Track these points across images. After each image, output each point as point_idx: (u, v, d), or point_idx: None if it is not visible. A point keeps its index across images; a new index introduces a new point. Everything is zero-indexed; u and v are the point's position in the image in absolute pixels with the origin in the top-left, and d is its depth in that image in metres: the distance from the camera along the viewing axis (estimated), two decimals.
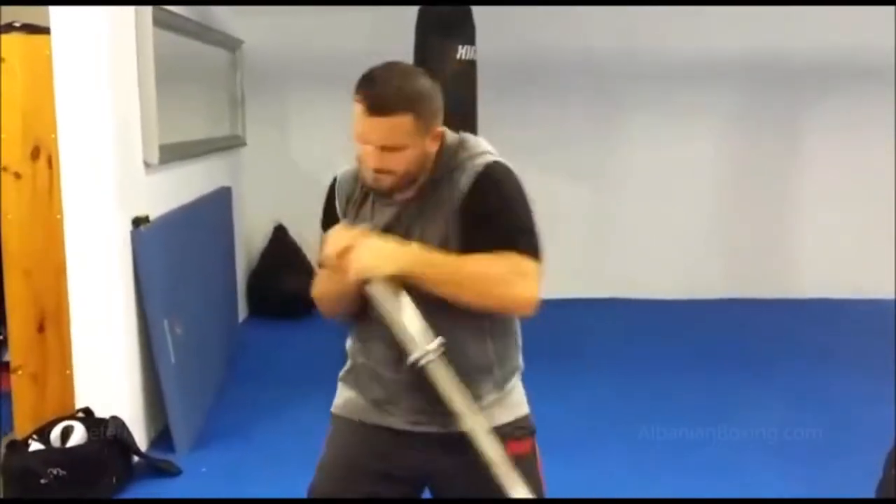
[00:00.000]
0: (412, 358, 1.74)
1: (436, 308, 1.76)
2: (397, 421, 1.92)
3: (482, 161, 1.84)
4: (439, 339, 1.74)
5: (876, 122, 6.45)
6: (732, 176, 6.71)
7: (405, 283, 1.76)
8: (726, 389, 4.69)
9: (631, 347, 5.47)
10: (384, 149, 1.76)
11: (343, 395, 2.03)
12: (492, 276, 1.75)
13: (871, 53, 6.25)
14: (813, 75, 6.46)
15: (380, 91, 1.74)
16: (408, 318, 1.75)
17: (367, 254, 1.75)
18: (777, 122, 6.60)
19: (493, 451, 1.72)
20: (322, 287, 1.95)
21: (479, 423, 1.74)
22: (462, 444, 1.78)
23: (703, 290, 6.56)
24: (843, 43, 6.29)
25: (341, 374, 2.04)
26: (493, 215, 1.80)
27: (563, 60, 6.39)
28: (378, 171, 1.78)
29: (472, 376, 1.83)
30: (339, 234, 1.81)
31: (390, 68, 1.80)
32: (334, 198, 1.96)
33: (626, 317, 6.23)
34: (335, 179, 1.98)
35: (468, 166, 1.83)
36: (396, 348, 1.79)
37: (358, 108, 1.76)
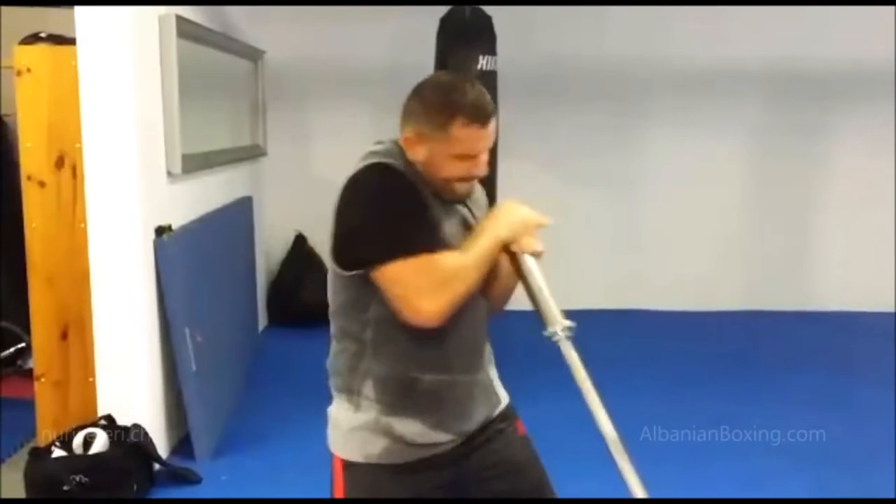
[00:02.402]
0: (551, 330, 1.78)
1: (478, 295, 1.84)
2: (468, 424, 1.90)
3: None
4: (570, 322, 1.79)
5: None
6: (754, 186, 6.68)
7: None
8: (743, 399, 4.66)
9: (649, 359, 5.44)
10: (485, 153, 1.83)
11: (382, 438, 1.85)
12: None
13: (893, 63, 6.21)
14: (836, 84, 6.43)
15: (481, 101, 1.80)
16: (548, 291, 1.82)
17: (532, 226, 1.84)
18: (799, 132, 6.56)
19: (610, 431, 1.79)
20: (453, 270, 1.75)
21: (596, 401, 1.80)
22: (483, 438, 1.91)
23: (722, 302, 6.53)
24: (866, 51, 6.25)
25: (378, 416, 1.85)
26: None
27: (585, 69, 6.39)
28: (474, 177, 1.85)
29: (487, 356, 1.98)
30: (528, 211, 1.85)
31: (459, 78, 1.88)
32: (415, 185, 1.82)
33: (645, 328, 6.20)
34: (393, 167, 1.81)
35: None
36: (473, 346, 1.90)
37: (463, 123, 1.77)
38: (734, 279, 6.67)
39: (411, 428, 1.84)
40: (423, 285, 1.71)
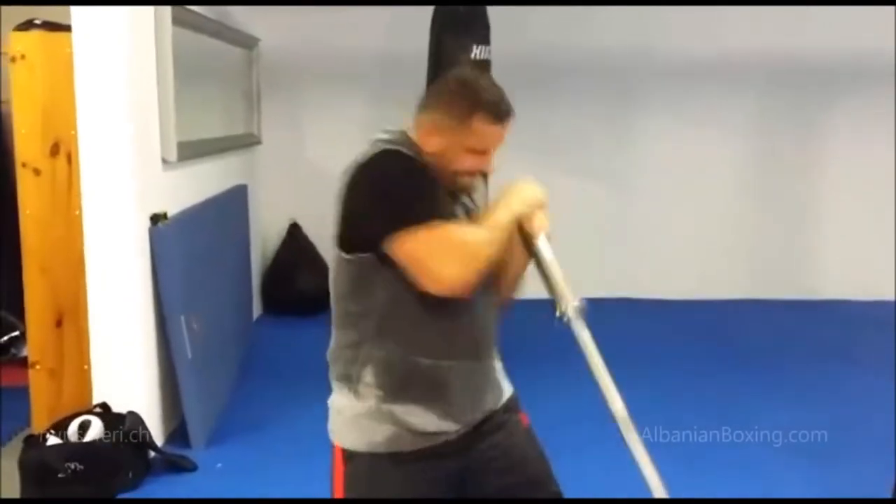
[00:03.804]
0: (562, 309, 1.83)
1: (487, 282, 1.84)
2: (474, 414, 1.89)
3: None
4: (581, 298, 1.84)
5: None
6: (750, 176, 6.69)
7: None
8: (742, 389, 4.68)
9: (646, 348, 5.45)
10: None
11: (385, 426, 1.83)
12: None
13: (891, 54, 6.22)
14: (832, 75, 6.44)
15: (504, 101, 1.87)
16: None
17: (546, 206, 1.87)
18: (795, 123, 6.57)
19: (621, 409, 1.88)
20: (475, 240, 1.76)
21: (607, 380, 1.89)
22: (488, 428, 1.91)
23: (719, 291, 6.54)
24: (862, 43, 6.26)
25: (379, 403, 1.83)
26: None
27: (579, 60, 6.38)
28: (481, 172, 1.90)
29: (494, 348, 1.97)
30: (538, 186, 1.88)
31: (483, 77, 1.95)
32: (426, 167, 1.83)
33: (642, 317, 6.20)
34: (404, 153, 1.83)
35: None
36: (481, 333, 1.90)
37: (487, 120, 1.83)
38: (731, 269, 6.68)
39: (416, 416, 1.82)
40: (444, 252, 1.71)
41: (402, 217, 1.71)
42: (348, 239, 1.80)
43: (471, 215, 1.92)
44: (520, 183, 1.88)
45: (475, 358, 1.90)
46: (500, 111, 1.84)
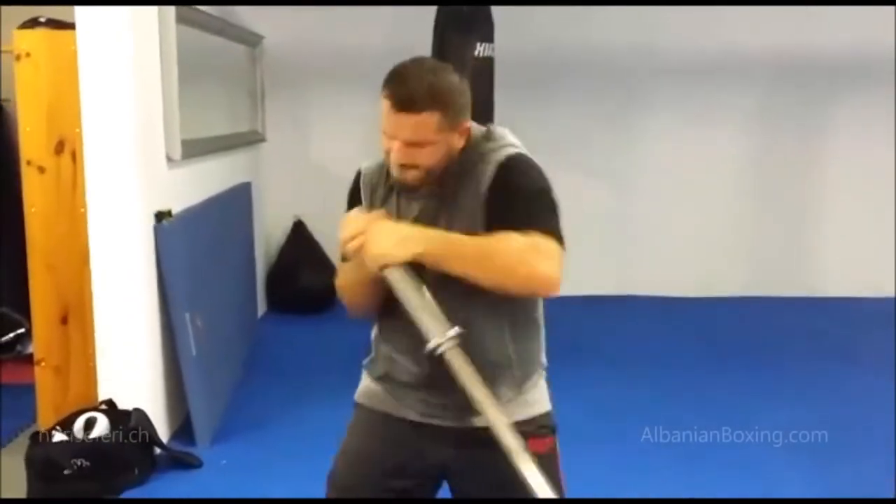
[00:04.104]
0: (430, 346, 1.70)
1: (455, 303, 1.75)
2: (413, 413, 1.94)
3: (504, 153, 1.84)
4: (457, 329, 1.71)
5: None
6: (753, 174, 6.68)
7: (423, 269, 1.74)
8: (744, 388, 4.68)
9: (649, 345, 5.46)
10: (411, 144, 1.77)
11: (365, 384, 2.05)
12: (513, 251, 1.69)
13: (893, 53, 6.21)
14: (834, 73, 6.43)
15: (408, 88, 1.74)
16: (426, 305, 1.73)
17: (383, 238, 1.72)
18: (797, 120, 6.57)
19: (513, 442, 1.65)
20: (344, 278, 1.95)
21: (498, 415, 1.68)
22: (478, 440, 1.78)
23: (722, 289, 6.55)
24: (865, 40, 6.26)
25: (365, 361, 2.06)
26: (514, 202, 1.78)
27: (582, 58, 6.38)
28: (404, 165, 1.80)
29: (490, 372, 1.79)
30: (354, 219, 1.80)
31: (419, 64, 1.81)
32: (359, 189, 1.96)
33: (644, 315, 6.22)
34: (360, 172, 1.99)
35: (490, 158, 1.83)
36: (417, 338, 1.76)
37: (386, 105, 1.76)
38: (733, 267, 6.68)
39: (376, 382, 2.01)
40: (336, 285, 1.98)
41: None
42: None
43: (430, 217, 1.84)
44: (341, 227, 1.81)
45: (418, 361, 1.86)
46: (392, 93, 1.75)
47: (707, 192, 6.61)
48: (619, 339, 5.52)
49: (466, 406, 1.74)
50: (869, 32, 6.23)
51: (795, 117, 6.56)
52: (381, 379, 2.00)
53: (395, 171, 1.83)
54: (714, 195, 6.63)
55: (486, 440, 1.71)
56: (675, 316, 6.16)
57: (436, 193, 1.85)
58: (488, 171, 1.81)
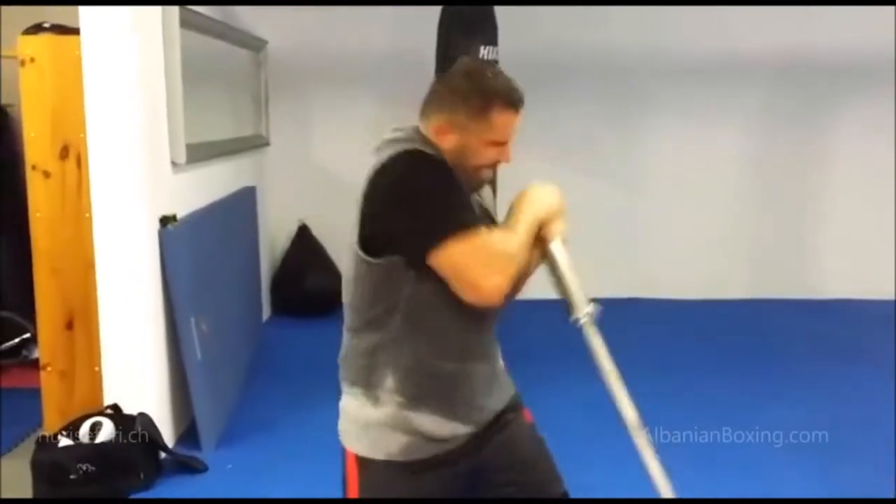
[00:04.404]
0: (577, 316, 1.84)
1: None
2: (483, 415, 1.88)
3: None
4: (594, 304, 1.84)
5: None
6: (756, 175, 6.68)
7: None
8: (746, 389, 4.67)
9: (652, 347, 5.45)
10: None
11: (402, 435, 1.82)
12: None
13: (894, 51, 6.21)
14: (837, 74, 6.42)
15: (516, 87, 1.83)
16: (577, 277, 1.85)
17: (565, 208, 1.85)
18: (801, 122, 6.56)
19: (634, 417, 1.89)
20: (515, 247, 1.76)
21: (623, 391, 1.89)
22: (495, 428, 1.91)
23: (725, 291, 6.54)
24: (866, 41, 6.25)
25: (399, 409, 1.81)
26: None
27: (586, 60, 6.38)
28: (501, 163, 1.87)
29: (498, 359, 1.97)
30: (555, 189, 1.87)
31: (492, 67, 1.91)
32: (456, 176, 1.80)
33: (647, 317, 6.20)
34: (439, 158, 1.80)
35: None
36: (489, 335, 1.90)
37: (502, 112, 1.80)
38: (736, 269, 6.67)
39: (430, 421, 1.81)
40: (484, 263, 1.69)
41: (442, 226, 1.69)
42: (379, 244, 1.75)
43: (486, 213, 1.93)
44: (540, 187, 1.86)
45: (486, 360, 1.90)
46: (514, 98, 1.82)
47: (710, 194, 6.60)
48: (621, 341, 5.47)
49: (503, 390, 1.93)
50: (870, 33, 6.23)
51: (798, 118, 6.55)
52: (448, 404, 1.83)
53: (486, 174, 1.88)
54: (717, 197, 6.62)
55: (502, 423, 1.92)
56: (677, 318, 6.15)
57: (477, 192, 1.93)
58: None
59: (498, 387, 1.95)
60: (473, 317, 1.78)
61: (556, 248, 1.83)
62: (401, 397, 1.80)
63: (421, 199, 1.72)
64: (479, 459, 1.88)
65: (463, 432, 1.84)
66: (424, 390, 1.80)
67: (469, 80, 1.82)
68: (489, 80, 1.82)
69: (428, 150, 1.79)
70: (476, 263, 1.68)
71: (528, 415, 2.02)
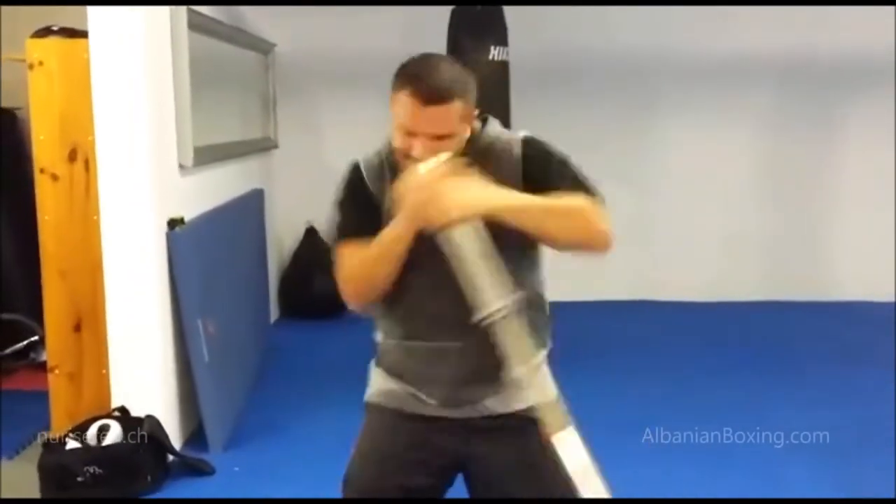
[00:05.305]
0: (488, 311, 1.70)
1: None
2: (430, 407, 1.94)
3: (520, 133, 1.93)
4: (518, 294, 1.73)
5: None
6: (767, 176, 6.65)
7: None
8: (761, 391, 4.65)
9: (664, 350, 5.43)
10: (434, 138, 1.77)
11: (377, 384, 2.05)
12: (584, 211, 1.80)
13: None
14: (848, 74, 6.39)
15: (433, 80, 1.76)
16: (489, 270, 1.70)
17: (464, 190, 1.70)
18: (813, 122, 6.52)
19: (554, 419, 1.73)
20: (357, 259, 1.88)
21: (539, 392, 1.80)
22: (496, 429, 1.90)
23: (737, 293, 6.51)
24: (878, 41, 6.22)
25: (374, 361, 2.07)
26: (556, 169, 1.87)
27: (596, 61, 6.37)
28: (416, 158, 1.79)
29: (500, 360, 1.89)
30: (422, 177, 1.73)
31: (429, 58, 1.85)
32: (362, 179, 1.95)
33: (660, 319, 6.18)
34: (357, 163, 1.98)
35: (506, 139, 1.91)
36: (439, 321, 1.88)
37: (407, 101, 1.76)
38: (749, 271, 6.64)
39: (383, 373, 2.03)
40: (342, 273, 1.92)
41: (332, 232, 1.98)
42: None
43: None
44: (404, 185, 1.77)
45: (433, 339, 1.92)
46: (416, 86, 1.75)
47: (719, 195, 6.58)
48: (634, 343, 5.48)
49: (485, 394, 1.90)
50: (881, 33, 6.19)
51: (809, 119, 6.52)
52: (396, 373, 1.99)
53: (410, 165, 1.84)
54: (727, 198, 6.59)
55: (498, 426, 1.88)
56: (689, 320, 6.13)
57: None
58: (514, 149, 1.89)
59: (484, 382, 1.90)
60: (404, 301, 1.92)
61: (458, 235, 1.70)
62: (377, 353, 2.06)
63: (333, 203, 2.01)
64: (467, 449, 1.94)
65: (409, 392, 1.96)
66: (381, 357, 2.04)
67: (400, 65, 1.84)
68: (409, 64, 1.82)
69: (362, 158, 1.97)
70: (342, 272, 1.93)
71: (546, 432, 1.79)
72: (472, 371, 1.90)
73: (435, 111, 1.75)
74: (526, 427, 1.86)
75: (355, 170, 1.96)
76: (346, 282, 1.92)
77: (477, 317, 1.71)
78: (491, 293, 1.70)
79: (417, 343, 1.94)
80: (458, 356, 1.89)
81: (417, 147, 1.77)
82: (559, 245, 1.82)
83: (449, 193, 1.69)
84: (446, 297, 1.79)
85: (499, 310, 1.69)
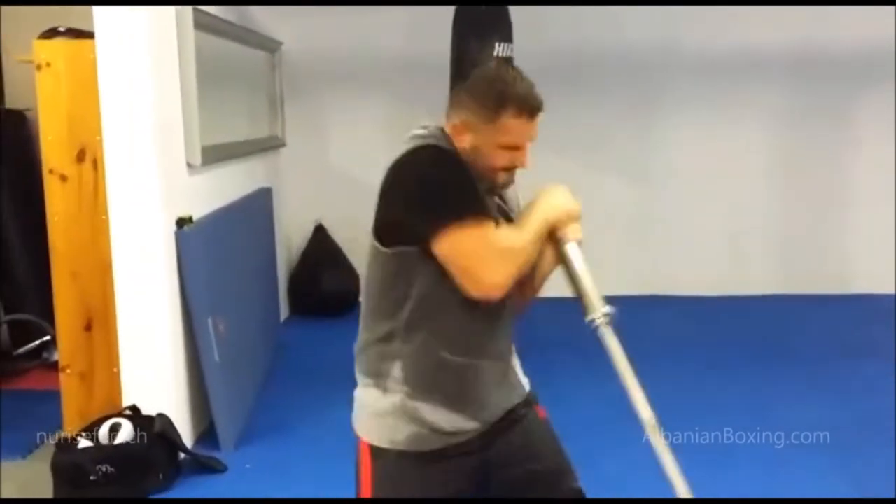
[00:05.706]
0: (592, 317, 1.84)
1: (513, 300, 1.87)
2: (468, 433, 1.87)
3: None
4: (611, 307, 1.84)
5: None
6: (778, 171, 6.62)
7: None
8: (772, 386, 4.64)
9: (674, 345, 5.43)
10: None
11: (408, 425, 1.85)
12: None
13: None
14: (858, 68, 6.36)
15: (535, 96, 1.85)
16: (592, 279, 1.87)
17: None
18: (823, 116, 6.50)
19: (650, 415, 1.87)
20: (520, 242, 1.80)
21: (639, 389, 1.88)
22: (506, 425, 1.91)
23: (746, 287, 6.50)
24: (886, 35, 6.19)
25: (405, 399, 1.84)
26: None
27: (603, 57, 6.36)
28: (517, 167, 1.88)
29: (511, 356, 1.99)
30: (568, 192, 1.89)
31: (516, 73, 1.89)
32: (468, 168, 1.83)
33: (670, 314, 6.16)
34: (454, 151, 1.84)
35: None
36: (503, 333, 1.91)
37: (515, 123, 1.82)
38: (759, 264, 6.63)
39: (438, 414, 1.83)
40: (487, 256, 1.73)
41: (448, 213, 1.73)
42: (389, 233, 1.80)
43: (506, 216, 1.94)
44: (553, 190, 1.89)
45: (499, 357, 1.93)
46: (527, 105, 1.83)
47: (728, 191, 6.56)
48: (644, 339, 5.42)
49: (511, 396, 1.94)
50: (891, 26, 6.16)
51: (818, 113, 6.49)
52: (453, 399, 1.84)
53: (502, 177, 1.89)
54: (735, 193, 6.58)
55: (515, 419, 1.93)
56: (702, 315, 6.11)
57: (497, 195, 1.96)
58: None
59: (509, 385, 1.96)
60: (487, 315, 1.83)
61: (571, 250, 1.86)
62: (408, 387, 1.84)
63: (430, 187, 1.77)
64: (490, 454, 1.90)
65: (469, 427, 1.86)
66: (431, 382, 1.83)
67: (488, 84, 1.85)
68: (507, 85, 1.83)
69: (444, 146, 1.84)
70: (479, 254, 1.73)
71: (541, 411, 2.02)
72: (500, 381, 1.94)
73: (534, 123, 1.86)
74: (528, 412, 1.98)
75: (455, 155, 1.84)
76: (518, 255, 1.78)
77: (586, 319, 1.85)
78: (595, 300, 1.86)
79: (462, 360, 1.84)
80: (492, 369, 1.91)
81: (525, 157, 1.87)
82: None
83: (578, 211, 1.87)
84: (480, 309, 1.81)
85: (606, 314, 1.85)
